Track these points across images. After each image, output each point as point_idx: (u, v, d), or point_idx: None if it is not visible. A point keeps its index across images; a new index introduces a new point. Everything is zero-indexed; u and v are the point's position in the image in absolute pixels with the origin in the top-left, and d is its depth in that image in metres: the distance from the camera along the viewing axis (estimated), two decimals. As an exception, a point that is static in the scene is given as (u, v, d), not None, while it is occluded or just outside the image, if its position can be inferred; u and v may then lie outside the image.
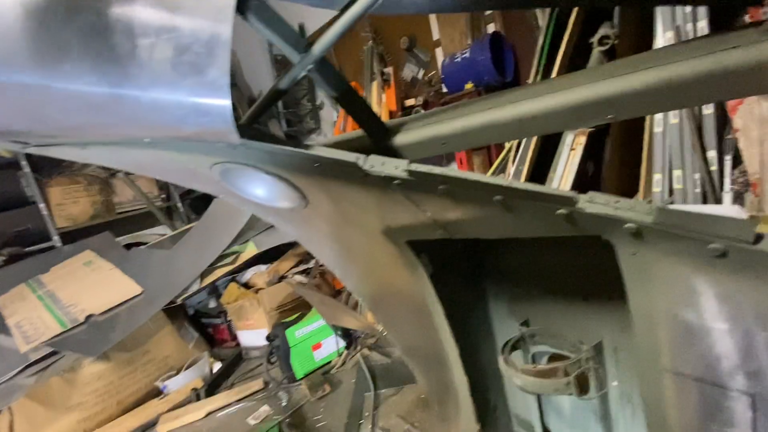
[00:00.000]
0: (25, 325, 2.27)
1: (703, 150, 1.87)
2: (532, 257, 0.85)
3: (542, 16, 2.59)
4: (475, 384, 0.96)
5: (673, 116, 1.90)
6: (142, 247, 3.23)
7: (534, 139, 2.30)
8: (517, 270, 0.89)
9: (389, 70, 3.41)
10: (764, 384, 0.45)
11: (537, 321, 0.88)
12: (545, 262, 0.83)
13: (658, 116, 1.94)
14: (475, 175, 0.53)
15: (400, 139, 0.71)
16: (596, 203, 0.48)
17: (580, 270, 0.77)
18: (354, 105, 0.69)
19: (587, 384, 0.76)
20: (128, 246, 3.32)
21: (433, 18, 3.41)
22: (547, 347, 0.85)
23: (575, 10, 2.25)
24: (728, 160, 1.82)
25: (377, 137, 0.73)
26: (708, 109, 1.82)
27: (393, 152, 0.73)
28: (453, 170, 0.54)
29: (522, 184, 0.51)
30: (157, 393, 2.32)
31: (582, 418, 0.86)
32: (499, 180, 0.52)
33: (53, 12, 0.51)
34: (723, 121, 1.81)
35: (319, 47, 0.59)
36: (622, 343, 0.74)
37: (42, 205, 3.46)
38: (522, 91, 0.61)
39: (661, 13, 1.87)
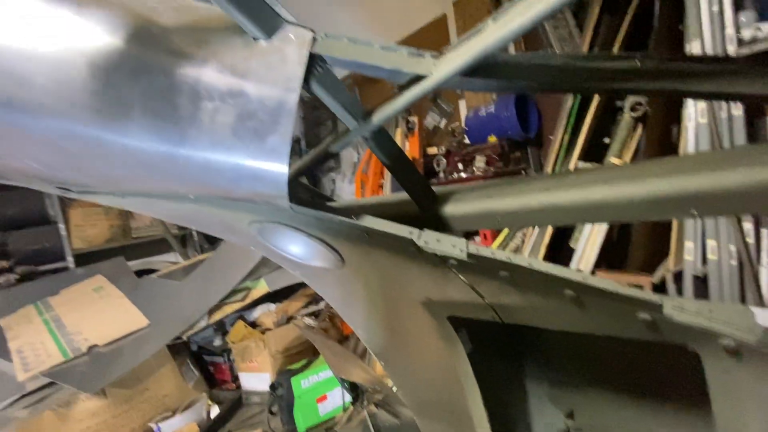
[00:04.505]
0: (26, 351, 2.21)
1: (739, 220, 1.81)
2: (579, 343, 0.79)
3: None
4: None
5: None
6: (152, 275, 3.20)
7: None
8: (560, 354, 0.82)
9: (414, 118, 3.49)
10: None
11: (582, 412, 0.79)
12: (595, 350, 0.76)
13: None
14: (545, 265, 0.49)
15: (450, 209, 0.68)
16: (687, 311, 0.43)
17: (636, 366, 0.70)
18: (405, 173, 0.66)
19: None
20: (139, 273, 3.29)
21: (458, 72, 3.54)
22: (594, 445, 0.76)
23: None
24: (766, 233, 1.75)
25: (425, 205, 0.70)
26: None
27: (441, 222, 0.69)
28: (519, 257, 0.50)
29: (598, 280, 0.46)
30: (150, 435, 2.20)
31: None
32: (573, 273, 0.47)
33: (118, 70, 0.51)
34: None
35: (378, 117, 0.57)
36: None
37: (62, 226, 3.48)
38: (591, 174, 0.58)
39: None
